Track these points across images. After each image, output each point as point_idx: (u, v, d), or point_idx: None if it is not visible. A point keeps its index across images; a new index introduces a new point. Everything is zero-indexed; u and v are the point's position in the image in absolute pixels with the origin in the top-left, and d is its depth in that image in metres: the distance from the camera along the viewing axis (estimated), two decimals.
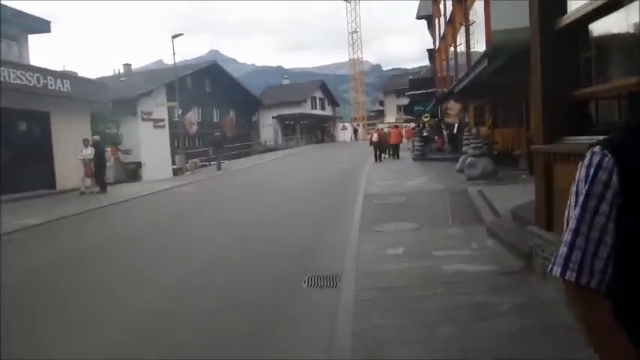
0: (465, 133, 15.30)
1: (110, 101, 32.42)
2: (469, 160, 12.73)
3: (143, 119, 35.78)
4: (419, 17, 36.82)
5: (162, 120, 37.17)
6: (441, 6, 26.75)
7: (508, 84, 14.78)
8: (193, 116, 39.01)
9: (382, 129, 29.09)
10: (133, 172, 34.27)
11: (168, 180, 23.15)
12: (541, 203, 4.72)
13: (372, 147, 24.98)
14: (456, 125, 18.92)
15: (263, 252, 7.45)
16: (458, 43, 19.47)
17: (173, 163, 33.96)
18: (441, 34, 26.35)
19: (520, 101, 15.25)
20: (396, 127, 32.77)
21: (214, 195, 15.53)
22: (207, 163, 31.18)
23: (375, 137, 24.89)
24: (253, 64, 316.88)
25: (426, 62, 57.99)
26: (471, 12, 15.61)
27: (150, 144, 35.62)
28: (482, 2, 13.02)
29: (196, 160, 29.85)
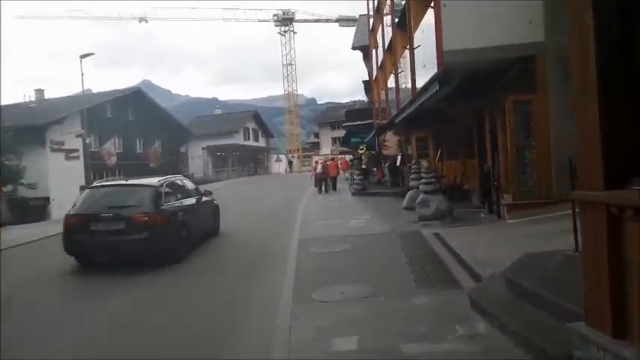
0: (413, 167, 13.65)
1: (11, 129, 28.64)
2: (421, 197, 10.96)
3: (53, 150, 31.90)
4: (354, 48, 35.99)
5: (76, 150, 33.39)
6: (379, 35, 25.77)
7: (457, 112, 13.37)
8: (112, 146, 35.61)
9: (325, 161, 29.02)
10: (38, 210, 30.19)
11: None
12: (599, 288, 2.75)
13: (315, 179, 24.55)
14: (399, 157, 17.42)
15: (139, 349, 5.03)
16: (399, 70, 18.15)
17: None
18: (379, 63, 25.23)
19: (470, 130, 13.89)
20: (333, 159, 31.21)
21: None
22: None
23: (319, 169, 24.23)
24: (187, 95, 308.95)
25: (360, 97, 58.03)
26: (416, 34, 14.24)
27: (60, 177, 31.83)
28: (433, 21, 11.56)
29: None
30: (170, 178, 10.63)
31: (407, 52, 16.35)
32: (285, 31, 78.08)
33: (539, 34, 10.14)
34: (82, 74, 23.10)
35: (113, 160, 35.11)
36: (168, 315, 5.90)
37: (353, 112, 39.22)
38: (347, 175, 34.22)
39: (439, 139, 17.62)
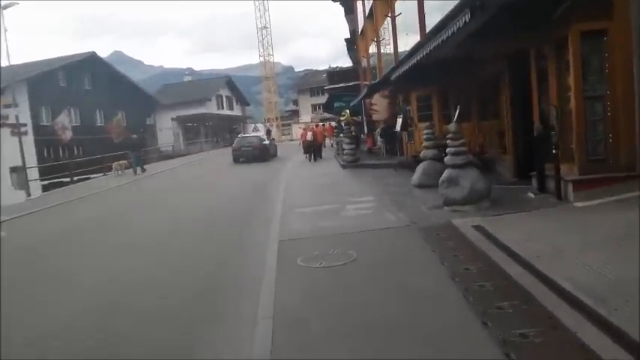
0: (426, 131, 10.50)
1: None
2: (448, 173, 7.86)
3: None
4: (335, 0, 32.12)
5: (23, 125, 29.32)
6: None
7: (484, 55, 10.19)
8: (66, 119, 31.45)
9: (317, 125, 30.56)
10: None
11: (18, 206, 15.71)
12: None
13: (304, 147, 23.50)
14: (399, 121, 14.29)
15: None
16: (397, 13, 14.77)
17: (43, 176, 26.62)
18: (367, 12, 21.71)
19: (497, 80, 10.74)
20: (317, 126, 28.37)
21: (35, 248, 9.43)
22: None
23: (308, 136, 22.72)
24: (161, 66, 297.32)
25: (340, 63, 54.05)
26: None
27: (5, 155, 27.77)
28: None
29: (124, 162, 24.24)
30: (261, 133, 34.45)
31: None
32: None
33: None
34: (5, 30, 19.00)
35: (68, 134, 30.89)
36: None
37: (336, 73, 35.78)
38: (332, 143, 31.28)
39: (448, 96, 14.43)
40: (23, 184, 18.06)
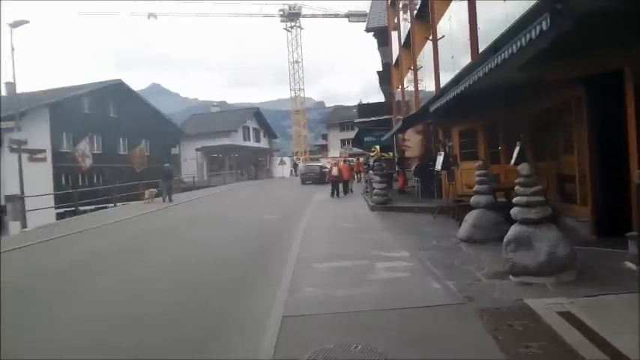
0: (478, 173, 8.45)
1: None
2: (516, 230, 5.78)
3: (12, 149, 26.80)
4: (368, 30, 30.84)
5: (42, 151, 28.47)
6: (401, 11, 20.67)
7: (544, 82, 8.17)
8: (87, 147, 30.66)
9: (344, 161, 32.06)
10: None
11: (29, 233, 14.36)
12: None
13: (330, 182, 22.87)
14: (440, 159, 12.29)
15: None
16: (438, 37, 12.96)
17: (57, 205, 25.46)
18: (403, 41, 20.04)
19: (566, 111, 8.70)
20: (344, 161, 26.85)
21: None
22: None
23: (334, 171, 21.92)
24: (196, 99, 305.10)
25: (370, 99, 53.90)
26: None
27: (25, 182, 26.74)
28: None
29: (153, 190, 23.76)
30: (320, 163, 45.43)
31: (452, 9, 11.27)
32: (292, 27, 74.06)
33: None
34: (13, 49, 18.03)
35: (88, 162, 30.13)
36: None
37: (367, 106, 34.14)
38: (361, 179, 29.67)
39: (497, 131, 12.40)
40: (18, 214, 16.52)
